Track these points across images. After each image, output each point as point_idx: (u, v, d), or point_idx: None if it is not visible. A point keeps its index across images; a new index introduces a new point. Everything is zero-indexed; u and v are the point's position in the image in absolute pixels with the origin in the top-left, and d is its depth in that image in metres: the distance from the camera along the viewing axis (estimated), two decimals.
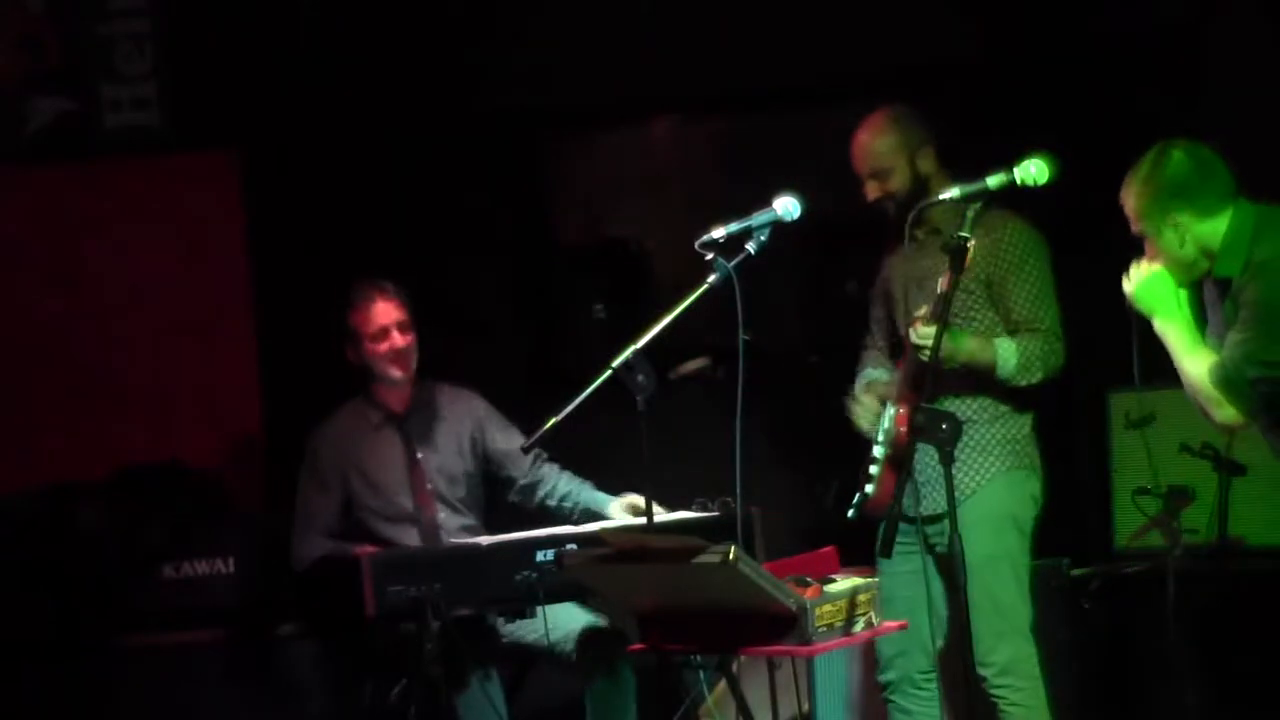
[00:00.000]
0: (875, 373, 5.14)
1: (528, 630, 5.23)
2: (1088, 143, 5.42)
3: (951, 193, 4.39)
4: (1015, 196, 4.36)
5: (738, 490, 4.34)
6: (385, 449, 5.46)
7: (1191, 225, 4.13)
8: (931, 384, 4.45)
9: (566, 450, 5.31)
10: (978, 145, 4.81)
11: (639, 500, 5.16)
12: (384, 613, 4.82)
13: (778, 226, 4.42)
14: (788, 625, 3.82)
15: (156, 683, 5.60)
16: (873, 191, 4.92)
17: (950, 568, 4.72)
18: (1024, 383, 4.82)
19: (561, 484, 5.48)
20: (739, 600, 3.82)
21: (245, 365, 6.57)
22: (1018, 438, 4.92)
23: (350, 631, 5.19)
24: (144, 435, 6.40)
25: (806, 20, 6.23)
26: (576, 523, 5.32)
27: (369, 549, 5.17)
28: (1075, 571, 5.56)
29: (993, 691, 4.79)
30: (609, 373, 4.32)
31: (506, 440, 5.52)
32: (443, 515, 5.43)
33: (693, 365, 5.76)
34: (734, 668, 4.32)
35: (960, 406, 4.79)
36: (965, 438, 4.55)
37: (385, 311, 5.40)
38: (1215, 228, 4.13)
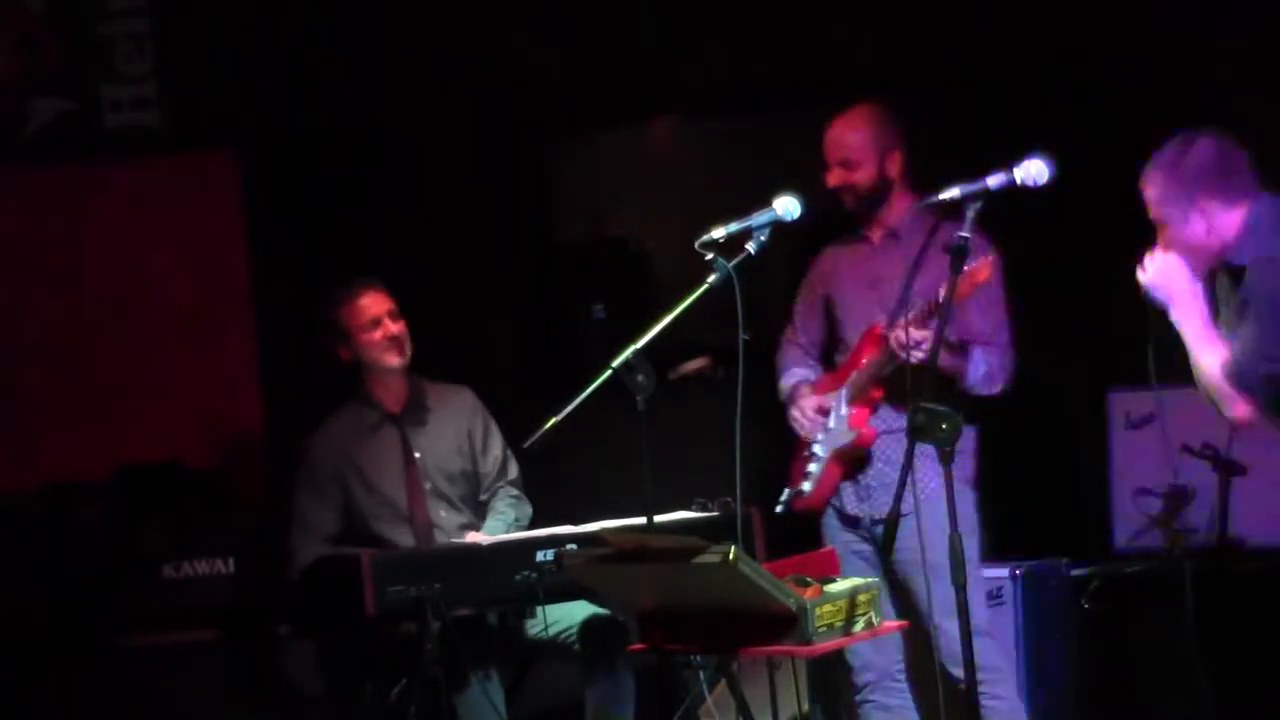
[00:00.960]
0: (800, 371, 5.17)
1: (531, 624, 5.24)
2: (1088, 143, 5.42)
3: (951, 192, 4.39)
4: (1015, 197, 4.36)
5: (738, 490, 4.34)
6: (382, 449, 5.45)
7: (1217, 214, 4.12)
8: (918, 384, 4.45)
9: (567, 450, 5.30)
10: (978, 145, 4.80)
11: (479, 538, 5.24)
12: (384, 613, 4.82)
13: (778, 226, 4.42)
14: (788, 625, 3.81)
15: (156, 683, 5.60)
16: (834, 179, 5.00)
17: (903, 570, 4.76)
18: (985, 392, 4.88)
19: (491, 515, 5.49)
20: (739, 600, 3.81)
21: (245, 365, 6.57)
22: (966, 450, 4.91)
23: (350, 631, 5.19)
24: (144, 435, 6.40)
25: (806, 20, 6.23)
26: None
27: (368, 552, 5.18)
28: (1075, 571, 5.56)
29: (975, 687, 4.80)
30: (609, 373, 4.31)
31: (485, 450, 5.54)
32: (442, 514, 5.42)
33: (693, 365, 5.76)
34: (734, 668, 4.31)
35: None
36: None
37: (375, 301, 5.39)
38: (1237, 218, 4.12)
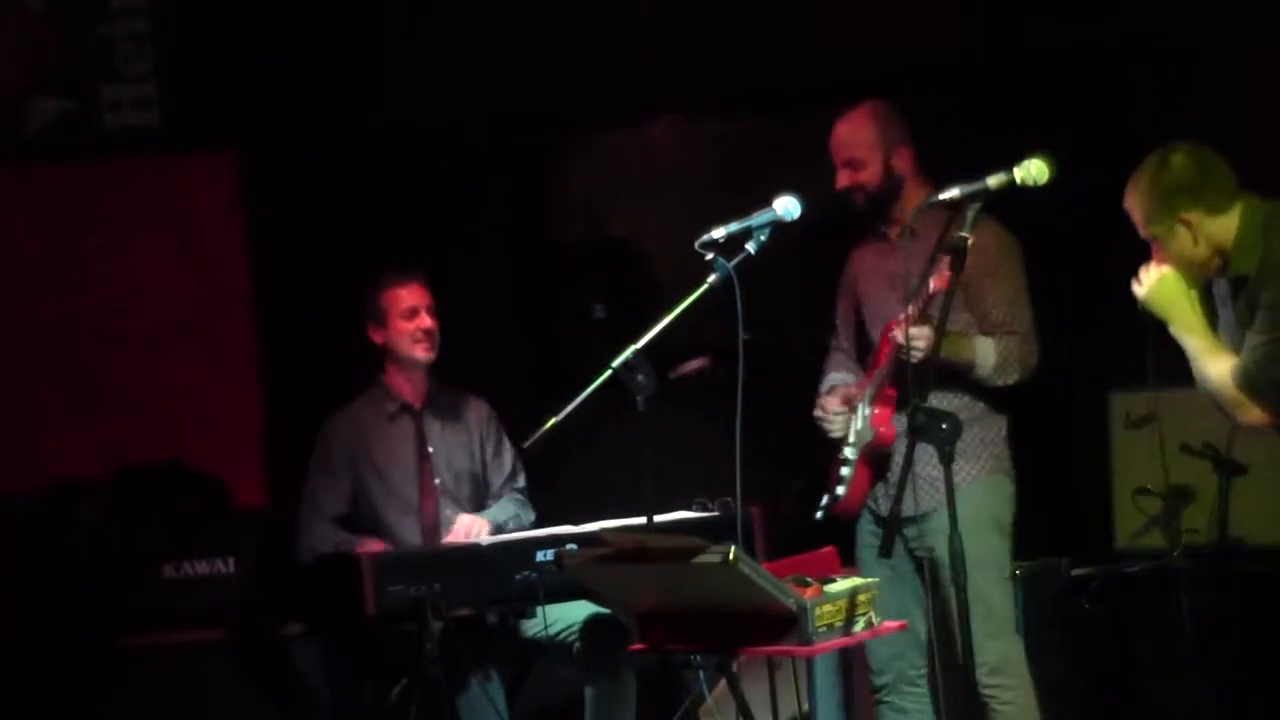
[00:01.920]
0: (839, 376, 5.18)
1: (531, 624, 5.24)
2: (1088, 143, 5.42)
3: (951, 192, 4.39)
4: (1015, 197, 4.36)
5: (738, 490, 4.34)
6: (397, 439, 5.48)
7: (1203, 223, 4.13)
8: (918, 383, 4.45)
9: (567, 450, 5.30)
10: (978, 145, 4.81)
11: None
12: (384, 613, 4.83)
13: (778, 226, 4.42)
14: (788, 625, 3.81)
15: (156, 683, 5.61)
16: (844, 180, 4.99)
17: (931, 569, 4.77)
18: (1000, 382, 4.88)
19: (494, 504, 5.52)
20: (739, 600, 3.81)
21: (245, 365, 6.57)
22: (996, 440, 4.96)
23: (350, 631, 5.19)
24: (144, 435, 6.40)
25: (806, 21, 6.23)
26: None
27: (371, 545, 5.18)
28: (1075, 571, 5.56)
29: (984, 691, 4.80)
30: (609, 373, 4.32)
31: (496, 460, 5.57)
32: (447, 511, 5.44)
33: (693, 365, 5.76)
34: (734, 668, 4.31)
35: (939, 404, 4.79)
36: None
37: (417, 293, 5.45)
38: (1226, 224, 4.12)
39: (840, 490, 5.00)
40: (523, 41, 6.43)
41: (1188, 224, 4.13)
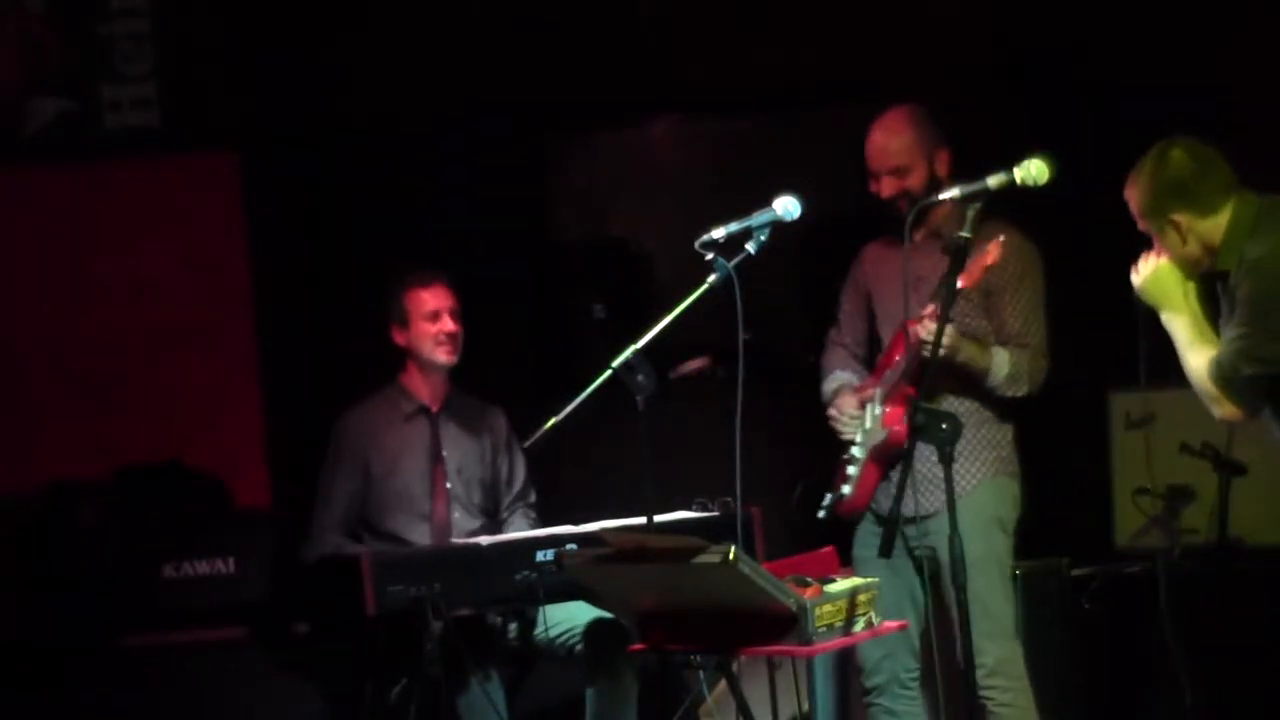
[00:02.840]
0: (845, 375, 5.16)
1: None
2: (1088, 142, 5.42)
3: (952, 192, 4.40)
4: (1015, 196, 4.36)
5: (738, 490, 4.34)
6: (411, 440, 5.47)
7: (1193, 224, 4.14)
8: (929, 382, 4.46)
9: (567, 450, 5.31)
10: (978, 146, 4.81)
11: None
12: (384, 613, 4.82)
13: (777, 226, 4.42)
14: (788, 625, 3.82)
15: (156, 683, 5.60)
16: (889, 189, 4.92)
17: (932, 569, 4.77)
18: (1010, 394, 4.90)
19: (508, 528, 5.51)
20: (739, 600, 3.82)
21: (245, 365, 6.57)
22: (1003, 442, 4.97)
23: (350, 631, 5.19)
24: (144, 435, 6.40)
25: (807, 21, 6.23)
26: None
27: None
28: (1075, 571, 5.56)
29: (982, 692, 4.80)
30: (609, 373, 4.32)
31: (509, 473, 5.57)
32: (456, 516, 5.43)
33: (693, 365, 5.76)
34: (734, 668, 4.31)
35: (951, 407, 4.79)
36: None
37: (442, 296, 5.42)
38: (1216, 223, 4.13)
39: (846, 489, 4.99)
40: (522, 41, 6.43)
41: (1176, 225, 4.15)
